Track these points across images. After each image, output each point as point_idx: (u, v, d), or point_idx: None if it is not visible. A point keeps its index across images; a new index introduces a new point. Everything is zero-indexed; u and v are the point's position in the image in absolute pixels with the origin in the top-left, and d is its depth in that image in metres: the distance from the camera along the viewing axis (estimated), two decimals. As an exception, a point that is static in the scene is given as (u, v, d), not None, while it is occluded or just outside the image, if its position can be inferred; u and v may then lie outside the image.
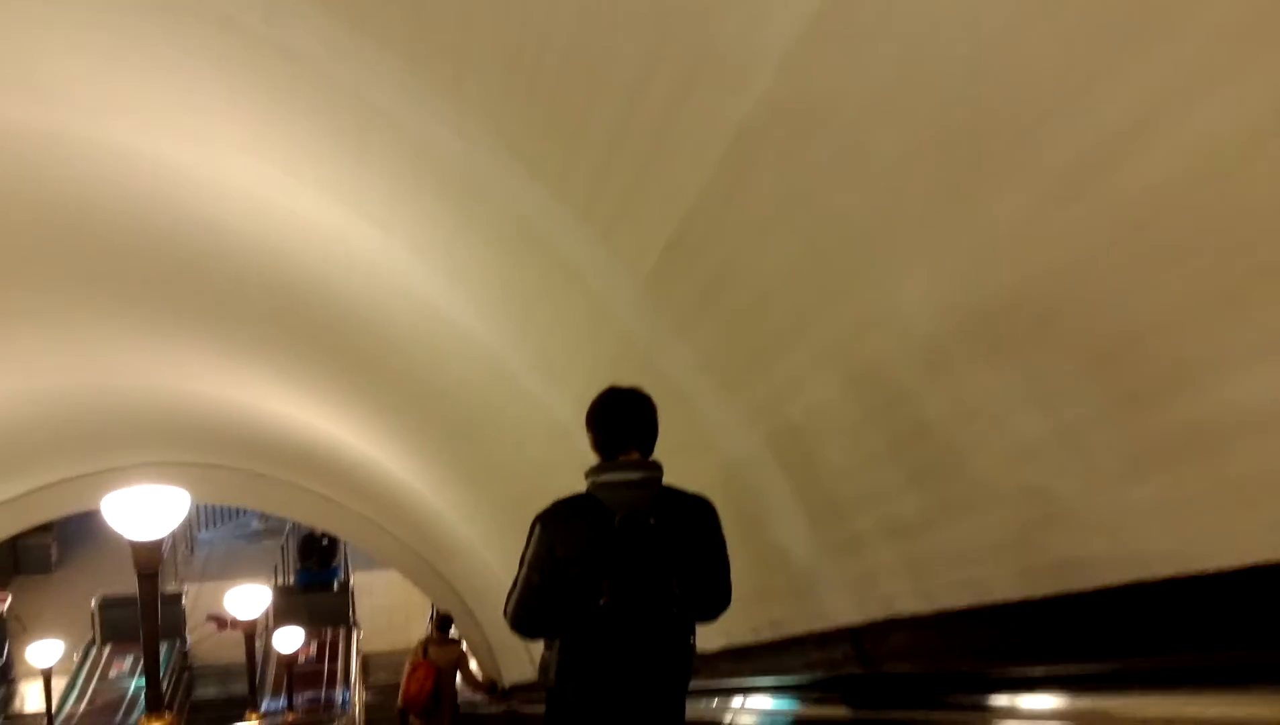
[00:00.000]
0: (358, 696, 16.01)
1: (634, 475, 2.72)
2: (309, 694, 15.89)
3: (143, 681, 15.53)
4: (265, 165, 4.63)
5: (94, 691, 15.08)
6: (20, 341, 7.19)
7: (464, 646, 8.96)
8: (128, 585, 16.33)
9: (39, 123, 4.64)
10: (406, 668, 8.15)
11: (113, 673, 15.71)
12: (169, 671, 15.74)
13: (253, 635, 8.73)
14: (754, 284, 3.08)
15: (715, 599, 2.87)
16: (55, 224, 5.64)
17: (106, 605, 16.90)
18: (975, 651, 2.88)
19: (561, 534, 2.68)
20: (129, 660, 15.95)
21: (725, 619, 4.73)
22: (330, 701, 15.46)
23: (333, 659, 16.54)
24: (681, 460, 4.29)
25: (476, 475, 7.61)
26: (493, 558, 8.77)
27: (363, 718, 16.01)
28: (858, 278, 2.56)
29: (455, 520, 9.25)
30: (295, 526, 19.96)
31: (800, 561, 3.66)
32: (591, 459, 2.84)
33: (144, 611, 4.73)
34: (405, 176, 4.25)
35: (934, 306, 2.33)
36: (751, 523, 3.94)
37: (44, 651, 12.82)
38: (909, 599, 3.07)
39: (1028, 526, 2.37)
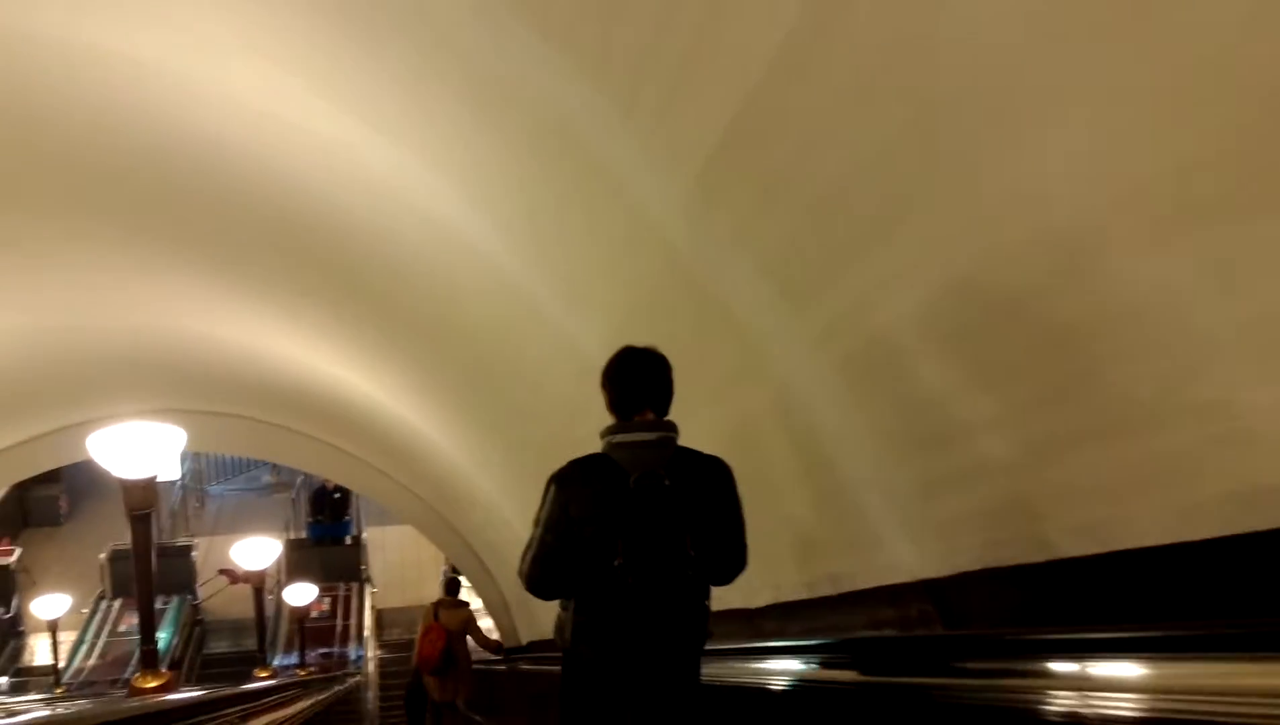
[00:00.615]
0: (371, 653, 15.76)
1: (649, 436, 2.69)
2: (321, 650, 15.63)
3: (157, 634, 15.39)
4: (272, 71, 4.17)
5: (104, 645, 14.84)
6: (10, 275, 6.77)
7: (472, 608, 9.18)
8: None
9: (19, 24, 4.19)
10: (419, 630, 8.57)
11: (123, 626, 15.44)
12: (180, 626, 15.51)
13: (261, 588, 8.38)
14: (830, 175, 2.60)
15: (730, 561, 2.80)
16: (45, 143, 5.18)
17: (116, 558, 16.60)
18: (1091, 608, 2.44)
19: (576, 494, 2.66)
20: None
21: (774, 573, 4.35)
22: (343, 657, 15.20)
23: (345, 615, 16.26)
24: (732, 394, 3.86)
25: (494, 421, 7.19)
26: (510, 510, 8.39)
27: (376, 674, 15.78)
28: (975, 152, 2.09)
29: (472, 471, 8.85)
30: (307, 480, 19.69)
31: (871, 507, 3.21)
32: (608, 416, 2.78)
33: (136, 553, 4.34)
34: (424, 75, 3.77)
35: (1088, 177, 1.85)
36: (812, 464, 3.50)
37: (50, 604, 12.54)
38: (1009, 547, 2.62)
39: (1194, 451, 1.91)
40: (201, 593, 16.79)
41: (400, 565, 18.89)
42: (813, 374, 3.14)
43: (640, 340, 3.51)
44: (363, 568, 17.46)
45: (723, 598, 4.77)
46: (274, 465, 22.03)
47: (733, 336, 3.47)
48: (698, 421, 4.24)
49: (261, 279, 6.84)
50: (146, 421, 4.20)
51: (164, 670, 4.36)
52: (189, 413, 10.76)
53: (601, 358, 4.45)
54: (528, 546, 2.76)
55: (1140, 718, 1.73)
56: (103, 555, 16.48)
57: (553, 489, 2.70)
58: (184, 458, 19.76)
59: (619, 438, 2.70)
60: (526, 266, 4.58)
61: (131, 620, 15.65)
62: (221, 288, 7.25)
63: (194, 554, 17.02)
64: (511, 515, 8.22)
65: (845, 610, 3.64)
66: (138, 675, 4.31)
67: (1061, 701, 1.96)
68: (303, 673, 12.48)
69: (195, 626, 16.34)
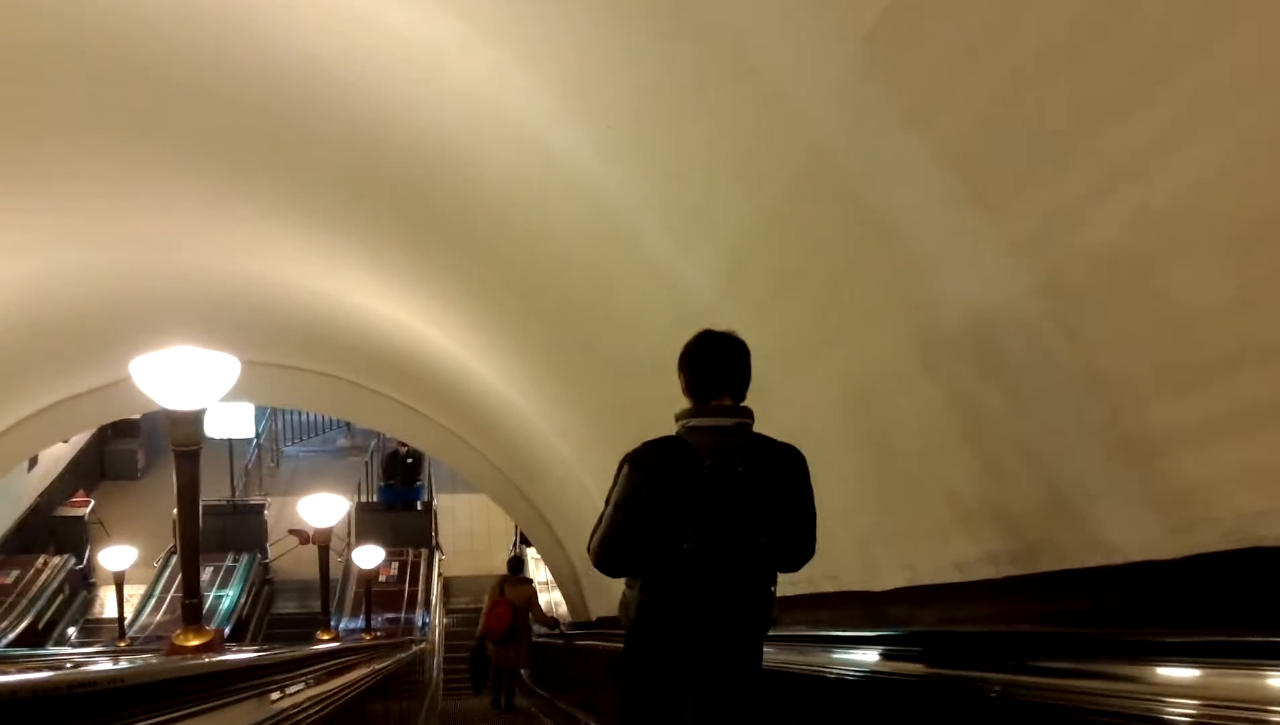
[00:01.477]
0: (438, 619, 15.44)
1: (725, 421, 2.68)
2: (389, 615, 15.34)
3: (222, 592, 15.32)
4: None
5: (171, 601, 14.72)
6: (75, 207, 6.38)
7: (539, 581, 10.81)
8: (212, 495, 15.95)
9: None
10: (486, 603, 9.89)
11: (192, 582, 15.36)
12: (248, 584, 15.36)
13: (327, 547, 7.96)
14: (1051, 28, 1.95)
15: (799, 549, 2.80)
16: (109, 56, 4.73)
17: (189, 514, 16.55)
18: None
19: (650, 476, 2.66)
20: (209, 570, 15.58)
21: (910, 550, 3.70)
22: (409, 623, 14.88)
23: (413, 581, 15.94)
24: (874, 331, 3.14)
25: (577, 378, 6.63)
26: (588, 477, 7.84)
27: (443, 641, 15.45)
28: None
29: (549, 435, 8.32)
30: (381, 444, 19.47)
31: (1066, 469, 2.55)
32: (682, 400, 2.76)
33: (181, 495, 3.85)
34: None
35: None
36: (981, 414, 2.84)
37: (116, 556, 12.39)
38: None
39: None
40: (271, 552, 16.64)
41: (470, 534, 18.57)
42: (1001, 298, 2.48)
43: (764, 270, 3.05)
44: (432, 534, 17.14)
45: (840, 578, 4.18)
46: (349, 428, 21.93)
47: (889, 255, 2.82)
48: (824, 365, 3.57)
49: (337, 217, 6.35)
50: (197, 347, 3.69)
51: (209, 628, 3.83)
52: (260, 365, 10.43)
53: (710, 298, 3.81)
54: (598, 524, 2.79)
55: None
56: (175, 510, 16.35)
57: (626, 469, 2.71)
58: (260, 417, 19.69)
59: (695, 422, 2.69)
60: (629, 185, 3.98)
61: (202, 575, 15.54)
62: (294, 229, 6.79)
63: (266, 513, 16.87)
64: (589, 482, 7.67)
65: (1008, 598, 2.99)
66: (178, 632, 3.82)
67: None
68: (368, 637, 12.16)
69: (264, 585, 16.20)
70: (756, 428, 2.70)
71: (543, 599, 16.05)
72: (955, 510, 3.13)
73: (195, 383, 3.66)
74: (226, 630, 13.87)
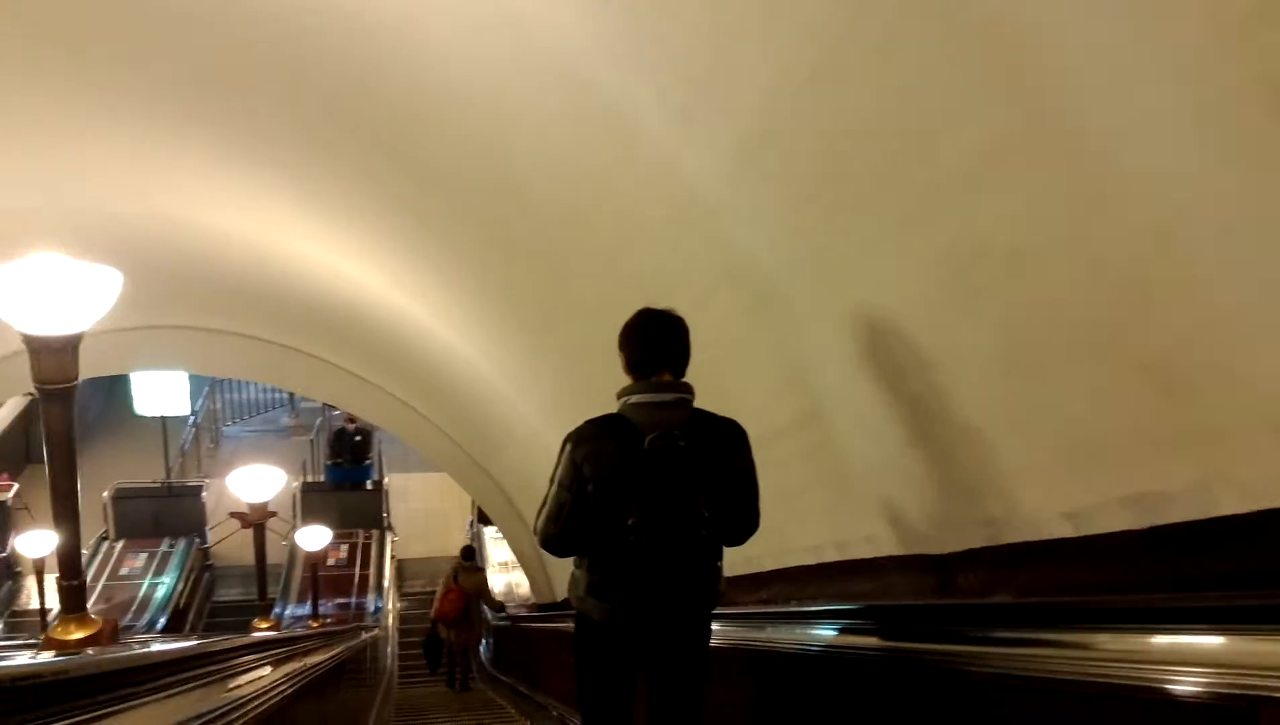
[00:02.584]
0: (391, 604, 14.58)
1: (666, 397, 2.72)
2: (339, 600, 14.46)
3: (158, 580, 14.30)
4: None
5: (104, 589, 13.70)
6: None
7: (485, 574, 11.79)
8: (148, 475, 14.90)
9: None
10: (440, 590, 11.09)
11: (124, 569, 14.29)
12: (185, 571, 14.35)
13: (263, 525, 7.10)
14: None
15: (743, 523, 2.80)
16: None
17: (121, 497, 15.50)
18: None
19: (592, 453, 2.68)
20: (143, 557, 14.56)
21: (993, 501, 2.95)
22: (361, 609, 14.00)
23: (364, 564, 15.03)
24: (968, 199, 2.15)
25: (548, 320, 5.82)
26: (553, 439, 7.05)
27: (396, 627, 14.59)
28: None
29: (512, 394, 7.49)
30: (328, 420, 18.48)
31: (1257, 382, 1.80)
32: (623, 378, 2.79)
33: (51, 450, 3.01)
34: None
35: None
36: (1134, 308, 2.08)
37: (35, 542, 11.34)
38: None
39: None
40: (211, 536, 15.63)
41: (424, 514, 17.69)
42: (1190, 132, 1.71)
43: (800, 143, 2.62)
44: (384, 515, 16.22)
45: (904, 540, 3.37)
46: (293, 407, 20.89)
47: (1001, 85, 2.04)
48: (886, 255, 2.67)
49: (267, 143, 5.45)
50: (66, 257, 2.83)
51: (96, 616, 3.00)
52: (187, 330, 9.51)
53: (721, 196, 3.13)
54: (543, 503, 2.79)
55: None
56: (106, 493, 15.34)
57: (568, 447, 2.73)
58: (197, 394, 18.59)
59: (635, 398, 2.72)
60: (620, 53, 3.16)
61: (135, 563, 14.55)
62: (217, 162, 5.87)
63: (204, 495, 15.81)
64: (554, 444, 6.88)
65: (1144, 554, 2.24)
66: (57, 623, 2.98)
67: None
68: (314, 624, 11.29)
69: (204, 572, 15.21)
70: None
71: (503, 579, 15.36)
72: (1064, 443, 2.39)
73: (64, 300, 2.81)
74: (162, 620, 12.92)
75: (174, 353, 10.24)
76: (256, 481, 6.91)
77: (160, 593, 13.65)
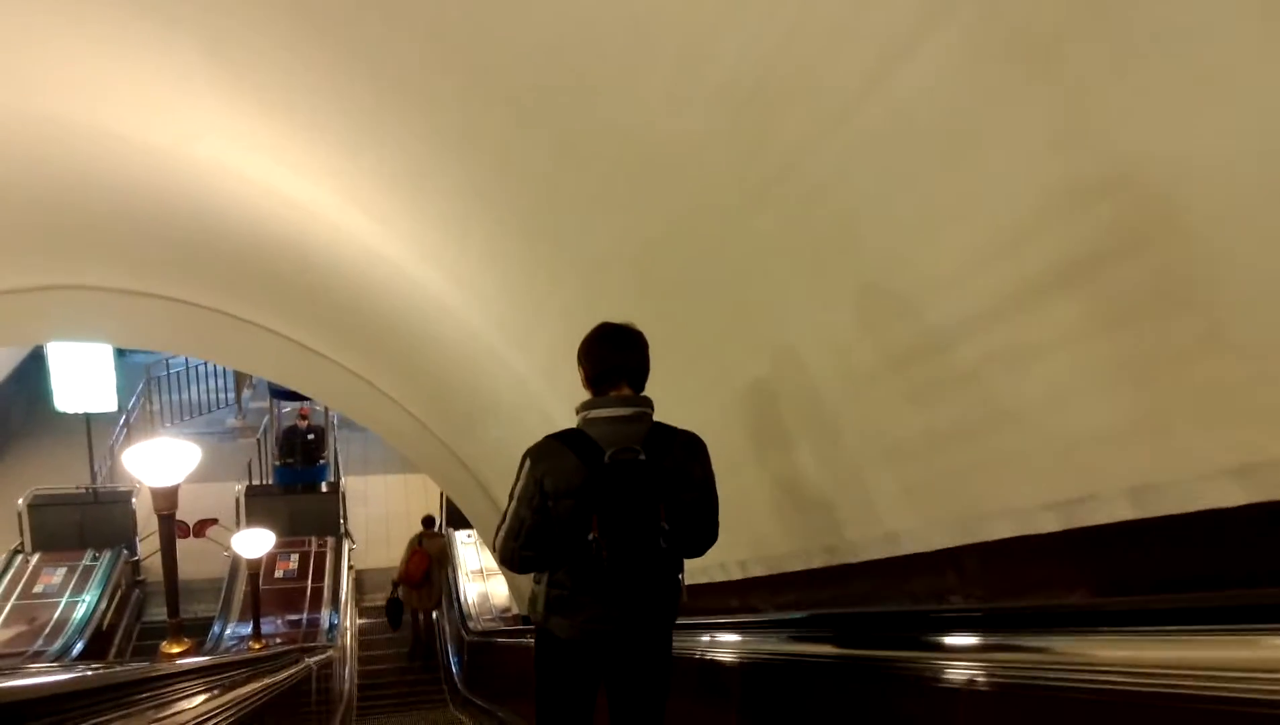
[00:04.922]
0: (349, 621, 12.85)
1: (625, 411, 2.72)
2: (289, 616, 12.70)
3: (77, 598, 12.44)
4: None
5: (14, 609, 11.83)
6: None
7: (444, 539, 12.55)
8: (67, 481, 13.03)
9: None
10: (405, 554, 11.87)
11: (39, 587, 12.41)
12: (111, 587, 12.48)
13: (171, 516, 5.40)
14: None
15: (703, 535, 2.83)
16: None
17: (39, 505, 13.61)
18: None
19: (551, 469, 2.67)
20: (61, 572, 12.67)
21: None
22: (314, 626, 12.25)
23: (317, 575, 13.26)
24: None
25: (574, 231, 4.20)
26: (556, 402, 5.44)
27: (355, 646, 12.86)
28: None
29: (502, 345, 5.85)
30: (277, 419, 16.70)
31: None
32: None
33: None
34: None
35: None
36: None
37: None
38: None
39: None
40: (142, 548, 13.78)
41: (385, 518, 15.97)
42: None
43: None
44: (340, 521, 14.45)
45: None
46: (240, 407, 19.08)
47: None
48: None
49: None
50: None
51: None
52: (88, 291, 7.79)
53: None
54: (502, 520, 2.78)
55: None
56: (21, 501, 13.46)
57: (527, 463, 2.72)
58: (124, 390, 16.73)
59: (594, 413, 2.72)
60: None
61: (51, 579, 12.66)
62: (102, 21, 4.20)
63: (135, 502, 13.94)
64: (556, 410, 5.26)
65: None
66: None
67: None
68: (258, 645, 9.57)
69: (133, 588, 13.35)
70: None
71: (475, 589, 13.67)
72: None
73: None
74: (79, 645, 11.07)
75: (83, 319, 8.49)
76: (160, 459, 5.22)
77: (79, 613, 11.79)
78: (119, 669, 4.84)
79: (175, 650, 5.43)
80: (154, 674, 3.64)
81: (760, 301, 3.20)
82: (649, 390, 2.79)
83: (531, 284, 4.80)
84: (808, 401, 3.21)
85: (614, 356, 2.76)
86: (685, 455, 2.75)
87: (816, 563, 3.50)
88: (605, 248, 3.90)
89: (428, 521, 12.55)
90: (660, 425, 2.75)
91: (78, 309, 8.04)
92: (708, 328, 3.70)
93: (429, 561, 11.82)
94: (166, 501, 5.29)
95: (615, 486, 2.63)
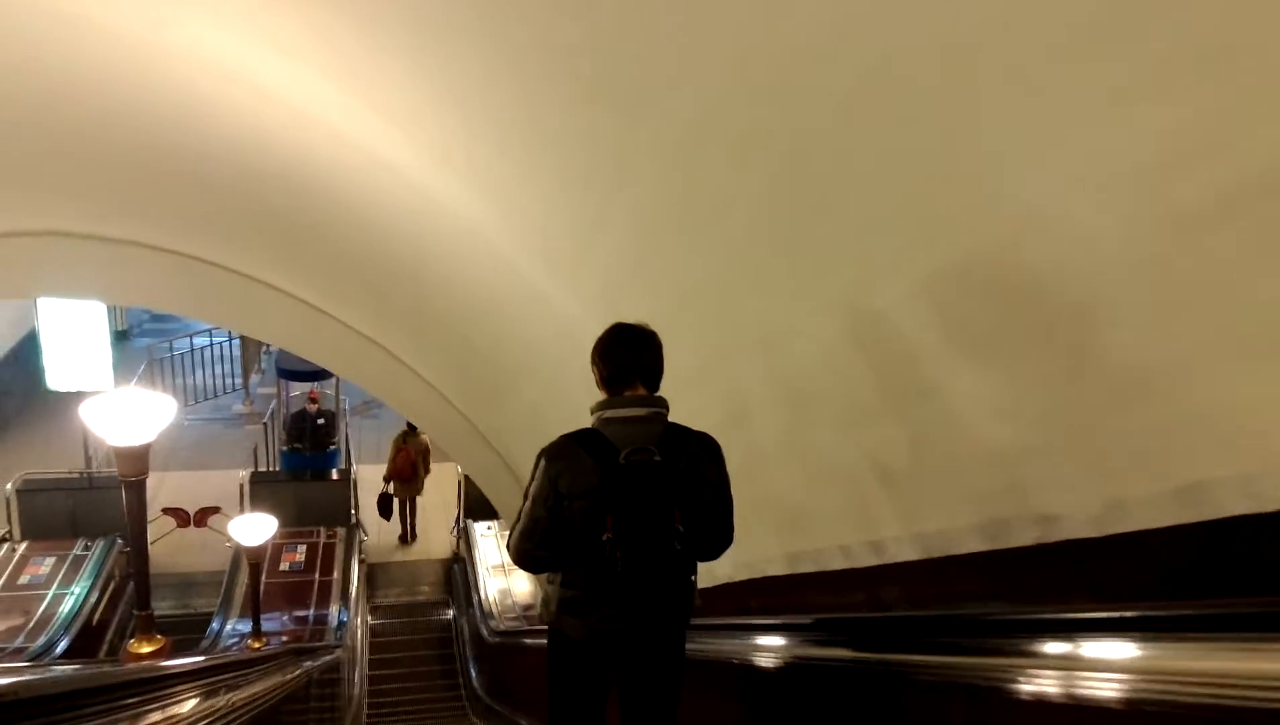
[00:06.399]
0: (360, 618, 11.85)
1: (640, 411, 2.72)
2: (296, 612, 11.68)
3: (66, 590, 11.50)
4: None
5: (-2, 601, 10.89)
6: None
7: (427, 437, 12.81)
8: (59, 465, 12.07)
9: None
10: (390, 453, 13.41)
11: (25, 577, 11.45)
12: (103, 578, 11.49)
13: (140, 482, 4.38)
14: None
15: (718, 537, 2.83)
16: None
17: (28, 490, 12.67)
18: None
19: (566, 469, 2.66)
20: (49, 562, 11.70)
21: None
22: (321, 622, 11.24)
23: (326, 568, 12.23)
24: None
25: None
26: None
27: (365, 647, 11.86)
28: None
29: (546, 275, 4.79)
30: (285, 402, 15.73)
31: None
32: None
33: None
34: None
35: None
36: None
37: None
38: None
39: None
40: (140, 537, 12.81)
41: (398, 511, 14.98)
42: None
43: None
44: (352, 511, 13.43)
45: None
46: (248, 392, 18.14)
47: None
48: None
49: None
50: None
51: None
52: (59, 237, 6.80)
53: None
54: (517, 519, 2.79)
55: None
56: (10, 485, 12.54)
57: (543, 463, 2.70)
58: (121, 368, 15.80)
59: (610, 413, 2.72)
60: None
61: (39, 569, 11.69)
62: None
63: (131, 487, 12.98)
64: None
65: None
66: None
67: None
68: (257, 644, 8.57)
69: (127, 580, 12.33)
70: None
71: (495, 586, 12.64)
72: None
73: None
74: (64, 642, 10.09)
75: (61, 275, 7.50)
76: (126, 413, 4.21)
77: (68, 606, 10.81)
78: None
79: (145, 650, 4.43)
80: (81, 684, 2.62)
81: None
82: (664, 389, 2.77)
83: (589, 181, 3.74)
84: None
85: (629, 357, 2.75)
86: (700, 456, 2.74)
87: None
88: (703, 111, 2.85)
89: (410, 426, 13.20)
90: (675, 426, 2.74)
91: (54, 259, 7.06)
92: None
93: (414, 456, 13.30)
94: (134, 465, 4.28)
95: (630, 487, 2.63)
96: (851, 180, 2.55)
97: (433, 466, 13.76)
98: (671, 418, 2.76)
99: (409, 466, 13.33)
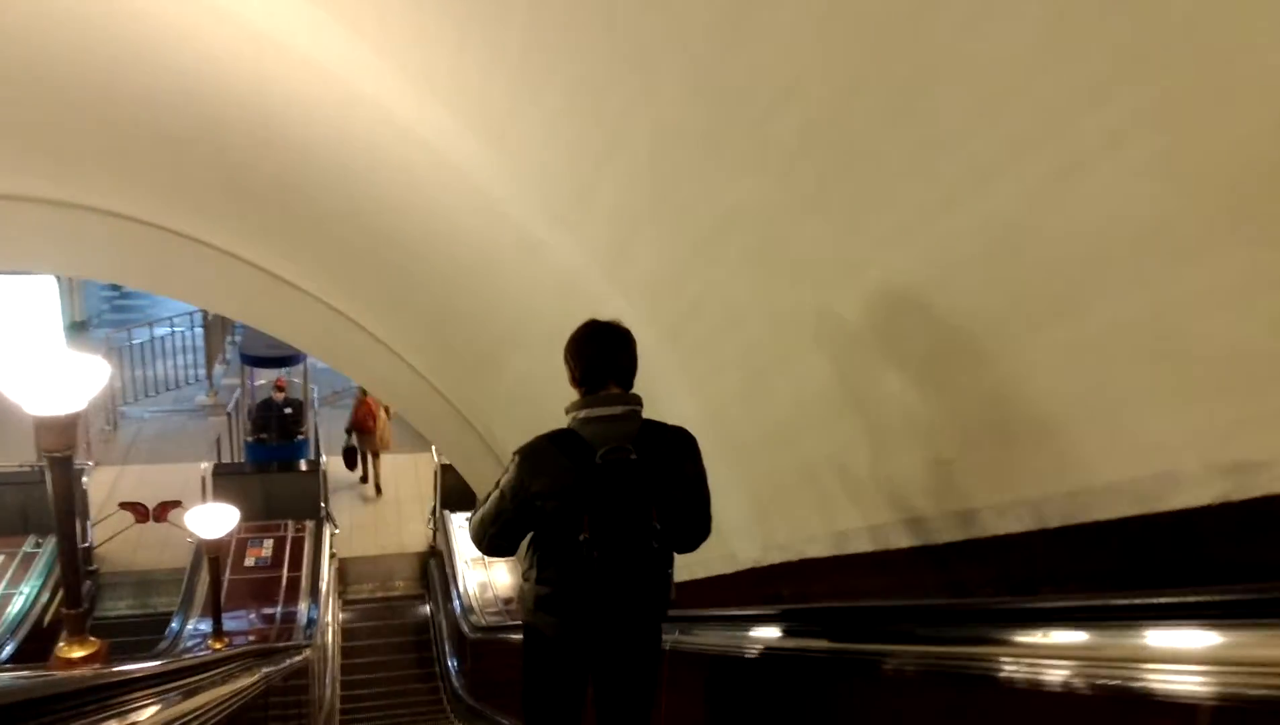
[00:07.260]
0: (331, 614, 11.22)
1: (615, 410, 2.69)
2: (263, 609, 11.03)
3: (15, 590, 10.80)
4: None
5: (-59, 605, 10.17)
6: None
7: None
8: (12, 458, 11.27)
9: None
10: (354, 405, 13.93)
11: (-26, 579, 10.77)
12: (55, 577, 10.78)
13: (66, 460, 3.73)
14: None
15: (695, 530, 2.81)
16: None
17: (-15, 484, 11.97)
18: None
19: (542, 470, 2.67)
20: (-1, 559, 11.03)
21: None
22: (290, 620, 10.59)
23: (294, 563, 11.57)
24: None
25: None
26: (620, 299, 3.76)
27: (337, 645, 11.23)
28: None
29: (543, 222, 4.21)
30: (250, 391, 15.03)
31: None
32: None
33: None
34: None
35: None
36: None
37: None
38: None
39: None
40: (95, 534, 12.10)
41: (373, 502, 14.35)
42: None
43: None
44: (321, 504, 12.77)
45: None
46: (211, 383, 17.39)
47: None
48: None
49: None
50: None
51: None
52: (38, 202, 6.14)
53: None
54: (483, 501, 2.82)
55: None
56: (-25, 477, 11.81)
57: (517, 461, 2.71)
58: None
59: (585, 413, 2.69)
60: None
61: (-11, 571, 10.97)
62: None
63: (86, 481, 12.24)
64: (620, 307, 3.57)
65: None
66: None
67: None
68: (219, 643, 7.93)
69: (83, 580, 11.64)
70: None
71: (475, 579, 12.05)
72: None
73: None
74: (10, 645, 9.39)
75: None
76: (50, 377, 3.58)
77: (16, 607, 10.12)
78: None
79: (77, 654, 3.79)
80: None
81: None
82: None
83: (599, 104, 3.16)
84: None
85: (602, 355, 2.73)
86: (676, 452, 2.75)
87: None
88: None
89: None
90: (650, 422, 2.73)
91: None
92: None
93: (375, 408, 13.55)
94: (59, 438, 3.64)
95: (607, 486, 2.62)
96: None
97: (407, 456, 13.21)
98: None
99: (370, 418, 13.64)
